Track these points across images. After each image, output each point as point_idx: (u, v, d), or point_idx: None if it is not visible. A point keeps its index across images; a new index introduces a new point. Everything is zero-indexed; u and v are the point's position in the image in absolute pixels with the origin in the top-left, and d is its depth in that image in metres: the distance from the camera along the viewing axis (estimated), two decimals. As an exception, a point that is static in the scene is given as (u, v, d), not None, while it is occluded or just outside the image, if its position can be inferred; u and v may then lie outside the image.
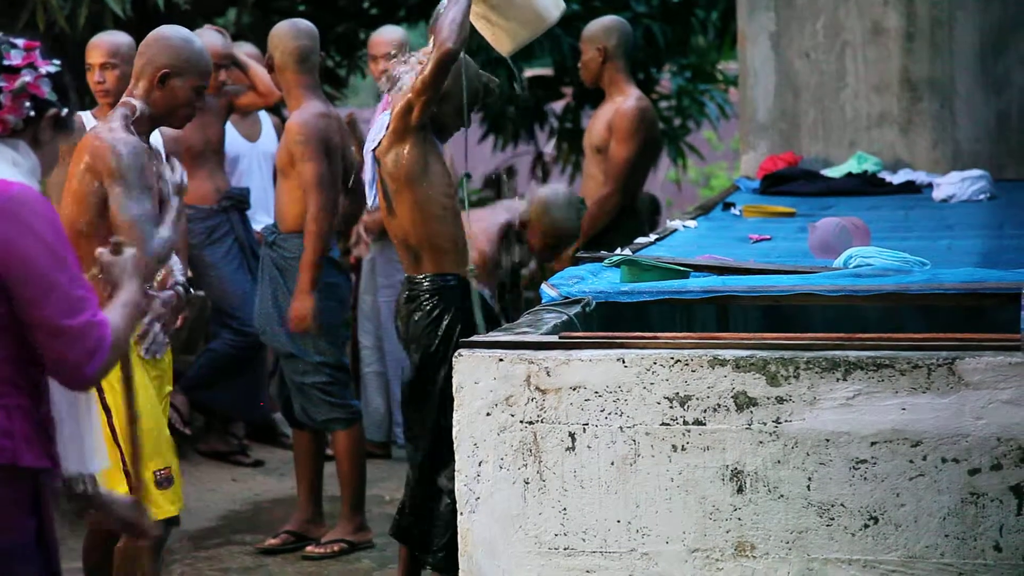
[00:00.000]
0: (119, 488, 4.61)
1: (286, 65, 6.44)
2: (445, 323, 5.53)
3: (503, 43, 5.76)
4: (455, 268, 5.57)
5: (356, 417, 6.64)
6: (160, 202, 4.70)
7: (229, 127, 7.93)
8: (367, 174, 5.63)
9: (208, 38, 7.59)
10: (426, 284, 5.56)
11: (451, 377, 4.06)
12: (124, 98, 4.81)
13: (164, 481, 4.67)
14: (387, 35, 7.49)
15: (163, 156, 4.94)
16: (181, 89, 4.80)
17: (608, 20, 7.71)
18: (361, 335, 8.15)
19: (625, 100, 7.50)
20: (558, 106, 11.61)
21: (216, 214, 7.70)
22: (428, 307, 5.55)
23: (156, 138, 6.83)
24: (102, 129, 4.69)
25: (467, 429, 4.03)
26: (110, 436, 4.59)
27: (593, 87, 7.68)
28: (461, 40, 5.39)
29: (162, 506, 4.67)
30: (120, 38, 6.83)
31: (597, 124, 7.63)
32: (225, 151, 7.92)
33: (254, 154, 8.15)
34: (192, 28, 7.69)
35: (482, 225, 6.51)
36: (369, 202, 5.67)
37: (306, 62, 6.45)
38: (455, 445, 4.05)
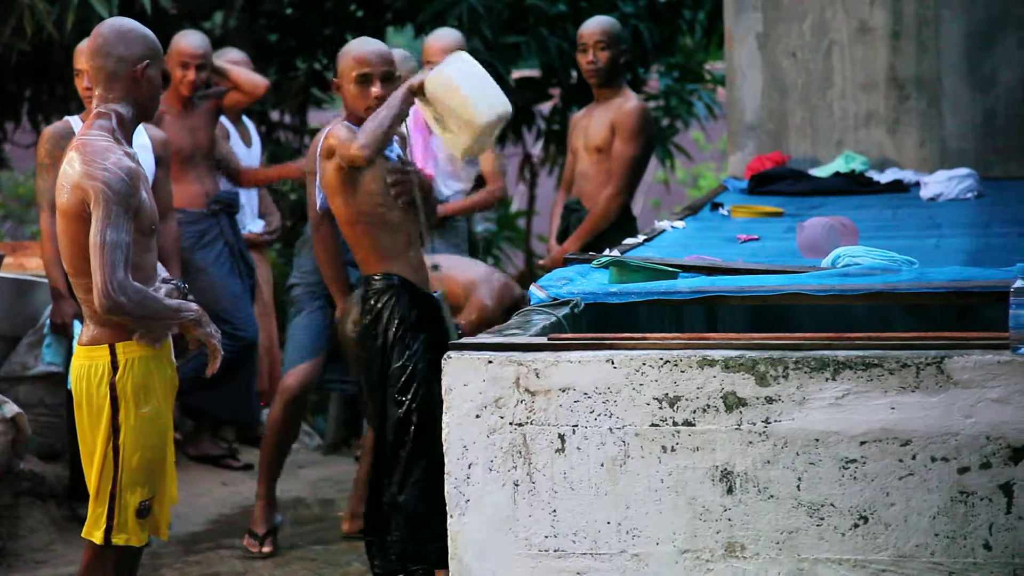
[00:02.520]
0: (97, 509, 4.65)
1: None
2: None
3: (455, 148, 5.74)
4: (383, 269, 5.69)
5: None
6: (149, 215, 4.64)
7: (232, 132, 7.96)
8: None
9: (189, 38, 7.58)
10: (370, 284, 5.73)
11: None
12: (100, 106, 4.60)
13: (144, 510, 4.65)
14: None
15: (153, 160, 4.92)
16: (156, 77, 4.64)
17: (616, 21, 7.71)
18: None
19: (627, 101, 7.52)
20: (545, 107, 11.62)
21: (206, 218, 7.69)
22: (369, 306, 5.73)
23: (144, 142, 6.87)
24: (91, 151, 4.50)
25: (456, 431, 4.03)
26: (112, 454, 4.59)
27: (602, 87, 7.63)
28: (376, 151, 5.50)
29: (134, 534, 4.64)
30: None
31: (596, 124, 7.62)
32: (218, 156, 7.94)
33: (249, 159, 8.15)
34: (178, 31, 7.73)
35: (480, 275, 6.55)
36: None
37: None
38: (444, 447, 4.05)
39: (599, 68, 7.53)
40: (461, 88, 5.54)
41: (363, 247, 5.68)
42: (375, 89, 5.61)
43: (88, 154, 4.49)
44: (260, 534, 6.78)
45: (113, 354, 4.57)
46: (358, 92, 5.64)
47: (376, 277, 5.68)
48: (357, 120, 5.65)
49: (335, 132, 5.59)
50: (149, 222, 4.59)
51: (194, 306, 4.68)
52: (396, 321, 5.64)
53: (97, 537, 4.62)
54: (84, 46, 6.79)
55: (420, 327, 5.66)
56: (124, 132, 4.60)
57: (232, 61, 7.92)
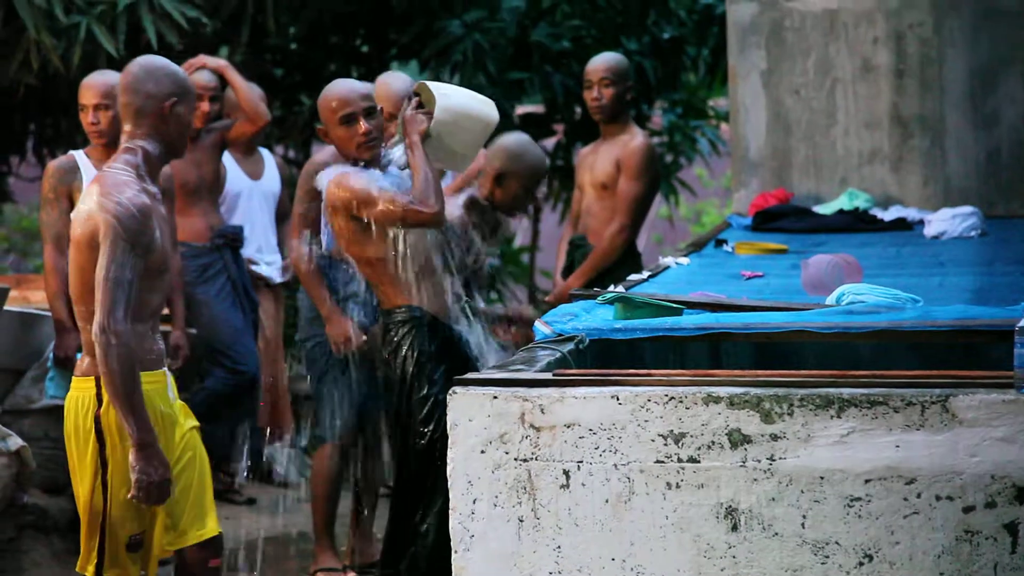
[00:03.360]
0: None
1: None
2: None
3: (461, 166, 5.81)
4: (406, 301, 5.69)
5: None
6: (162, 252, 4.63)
7: (232, 164, 7.96)
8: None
9: (201, 71, 7.61)
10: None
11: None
12: (128, 142, 4.64)
13: (135, 544, 4.63)
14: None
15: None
16: (185, 115, 4.67)
17: (623, 58, 7.73)
18: None
19: (633, 138, 7.54)
20: (549, 143, 11.64)
21: (209, 252, 7.71)
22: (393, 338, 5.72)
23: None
24: (110, 184, 4.53)
25: (461, 466, 4.03)
26: (100, 488, 4.59)
27: (608, 123, 7.64)
28: (442, 203, 5.49)
29: (125, 568, 4.63)
30: (113, 78, 6.83)
31: (601, 161, 7.64)
32: (227, 188, 7.95)
33: (256, 192, 8.16)
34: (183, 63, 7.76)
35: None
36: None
37: None
38: (449, 483, 4.05)
39: (604, 105, 7.55)
40: (465, 103, 5.64)
41: (382, 283, 5.69)
42: (362, 126, 5.63)
43: (105, 186, 4.51)
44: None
45: (99, 387, 4.57)
46: (345, 134, 5.65)
47: (397, 310, 5.68)
48: (352, 162, 5.67)
49: (352, 185, 5.56)
50: (159, 262, 4.57)
51: (151, 437, 4.53)
52: (416, 353, 5.65)
53: (89, 572, 4.62)
54: (89, 81, 6.82)
55: (441, 358, 5.66)
56: (149, 168, 4.62)
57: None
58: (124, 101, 4.63)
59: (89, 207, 4.51)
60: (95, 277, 4.47)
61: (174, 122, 4.63)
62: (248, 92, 7.60)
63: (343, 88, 5.72)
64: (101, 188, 4.51)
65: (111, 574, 4.61)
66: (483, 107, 5.67)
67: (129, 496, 4.50)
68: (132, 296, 4.45)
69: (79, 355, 6.60)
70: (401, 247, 5.64)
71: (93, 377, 4.58)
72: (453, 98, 5.62)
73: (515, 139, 6.27)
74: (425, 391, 5.62)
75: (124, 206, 4.46)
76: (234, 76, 7.60)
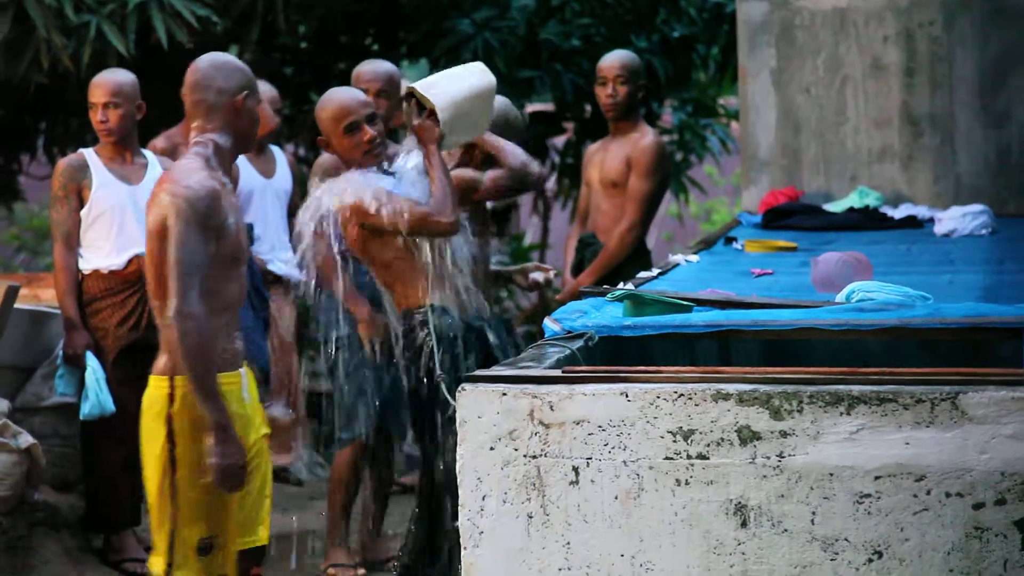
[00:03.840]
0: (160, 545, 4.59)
1: None
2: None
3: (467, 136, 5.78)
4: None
5: None
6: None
7: (244, 163, 7.95)
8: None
9: None
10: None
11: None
12: (199, 136, 4.63)
13: (205, 548, 4.54)
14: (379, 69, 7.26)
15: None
16: (254, 109, 4.68)
17: (636, 56, 7.72)
18: None
19: (643, 136, 7.52)
20: (559, 141, 11.64)
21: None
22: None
23: (159, 173, 6.89)
24: (178, 173, 4.53)
25: (470, 463, 4.03)
26: (169, 489, 4.53)
27: (618, 120, 7.62)
28: (459, 212, 5.50)
29: (195, 572, 4.55)
30: (123, 77, 6.85)
31: (611, 159, 7.63)
32: (239, 187, 7.95)
33: (268, 191, 8.16)
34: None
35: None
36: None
37: None
38: (458, 480, 4.05)
39: (617, 102, 7.54)
40: (459, 86, 5.61)
41: (400, 284, 5.67)
42: (368, 132, 5.60)
43: (175, 174, 4.53)
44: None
45: (172, 386, 4.51)
46: (350, 142, 5.62)
47: (417, 310, 5.66)
48: (356, 167, 5.66)
49: (358, 195, 5.51)
50: (233, 250, 4.54)
51: (227, 421, 4.49)
52: (440, 352, 5.63)
53: (158, 567, 4.55)
54: (99, 79, 6.83)
55: (465, 355, 5.65)
56: (220, 160, 4.62)
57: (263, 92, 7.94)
58: (194, 99, 4.64)
59: (159, 196, 4.51)
60: (168, 259, 4.45)
61: (246, 116, 4.66)
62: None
63: (343, 97, 5.69)
64: (171, 177, 4.52)
65: (180, 573, 4.54)
66: (473, 79, 5.65)
67: (206, 482, 4.49)
68: (203, 283, 4.43)
69: (88, 353, 6.68)
70: (422, 246, 5.63)
71: (167, 377, 4.52)
72: (445, 88, 5.60)
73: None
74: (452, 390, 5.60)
75: (192, 189, 4.45)
76: None
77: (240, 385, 4.63)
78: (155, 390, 4.55)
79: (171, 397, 4.51)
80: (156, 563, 4.57)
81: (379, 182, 5.57)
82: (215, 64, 4.67)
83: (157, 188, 4.55)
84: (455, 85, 5.62)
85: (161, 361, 4.56)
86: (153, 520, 4.57)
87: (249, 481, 4.61)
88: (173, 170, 4.58)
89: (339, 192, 5.57)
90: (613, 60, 7.61)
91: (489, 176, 5.77)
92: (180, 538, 4.51)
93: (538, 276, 6.61)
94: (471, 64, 5.73)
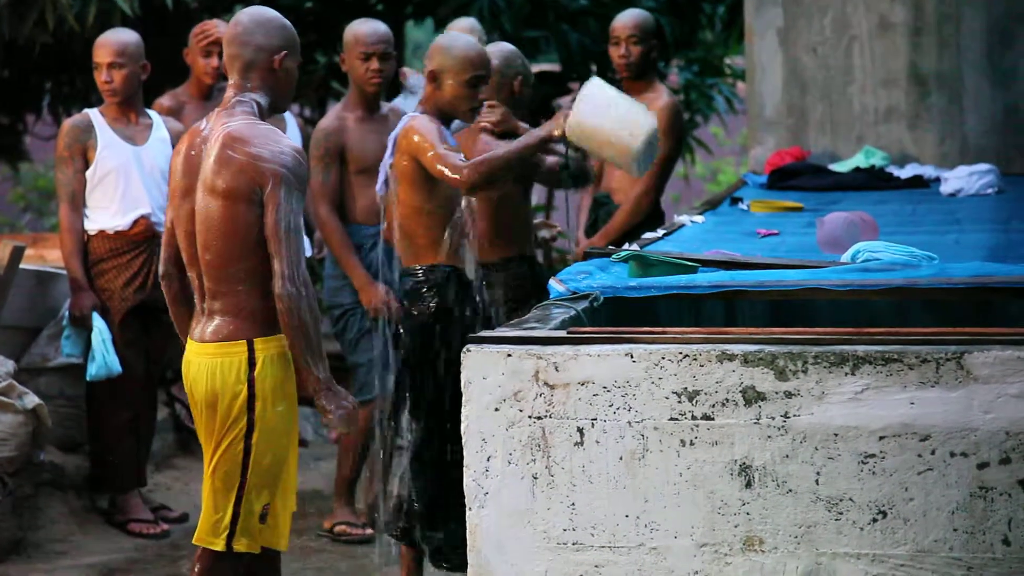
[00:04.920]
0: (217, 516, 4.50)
1: None
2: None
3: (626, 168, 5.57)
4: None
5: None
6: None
7: None
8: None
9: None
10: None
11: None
12: (238, 95, 4.45)
13: (266, 516, 4.46)
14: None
15: None
16: (293, 70, 4.52)
17: (649, 15, 7.66)
18: None
19: (658, 96, 7.43)
20: (565, 102, 11.61)
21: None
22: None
23: (164, 135, 6.88)
24: (257, 132, 4.34)
25: (475, 424, 4.03)
26: (242, 454, 4.41)
27: (633, 79, 7.55)
28: (482, 187, 5.46)
29: (257, 539, 4.47)
30: (127, 36, 6.83)
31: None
32: None
33: None
34: (198, 23, 7.74)
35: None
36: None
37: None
38: (463, 441, 4.05)
39: (631, 62, 7.46)
40: (603, 126, 5.39)
41: (422, 236, 5.63)
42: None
43: (256, 137, 4.33)
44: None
45: (251, 350, 4.37)
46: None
47: (431, 267, 5.65)
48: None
49: (419, 129, 5.51)
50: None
51: (330, 375, 4.45)
52: (442, 312, 5.63)
53: (218, 544, 4.42)
54: (103, 39, 6.81)
55: (473, 317, 5.67)
56: (262, 119, 4.45)
57: None
58: (231, 53, 4.46)
59: (240, 160, 4.30)
60: (267, 230, 4.29)
61: (283, 76, 4.49)
62: None
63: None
64: (253, 139, 4.32)
65: (241, 544, 4.44)
66: (624, 123, 5.39)
67: (333, 437, 4.44)
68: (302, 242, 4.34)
69: (95, 315, 6.68)
70: (460, 202, 5.65)
71: (244, 340, 4.37)
72: (592, 110, 5.36)
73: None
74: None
75: (288, 153, 4.32)
76: None
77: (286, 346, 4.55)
78: (230, 356, 4.39)
79: (251, 361, 4.38)
80: (214, 542, 4.44)
81: (447, 136, 5.57)
82: (257, 19, 4.47)
83: (226, 149, 4.33)
84: (618, 105, 5.40)
85: (225, 327, 4.40)
86: (213, 493, 4.44)
87: (294, 451, 4.57)
88: (244, 132, 4.34)
89: (409, 125, 5.56)
90: (626, 20, 7.53)
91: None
92: (247, 505, 4.41)
93: (545, 233, 6.61)
94: (643, 113, 5.48)
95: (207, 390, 4.41)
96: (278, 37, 4.48)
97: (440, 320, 5.63)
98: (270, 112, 4.50)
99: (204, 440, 4.49)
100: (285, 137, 4.40)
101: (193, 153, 4.45)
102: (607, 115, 5.41)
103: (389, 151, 5.67)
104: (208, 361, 4.41)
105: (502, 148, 5.48)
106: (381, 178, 5.70)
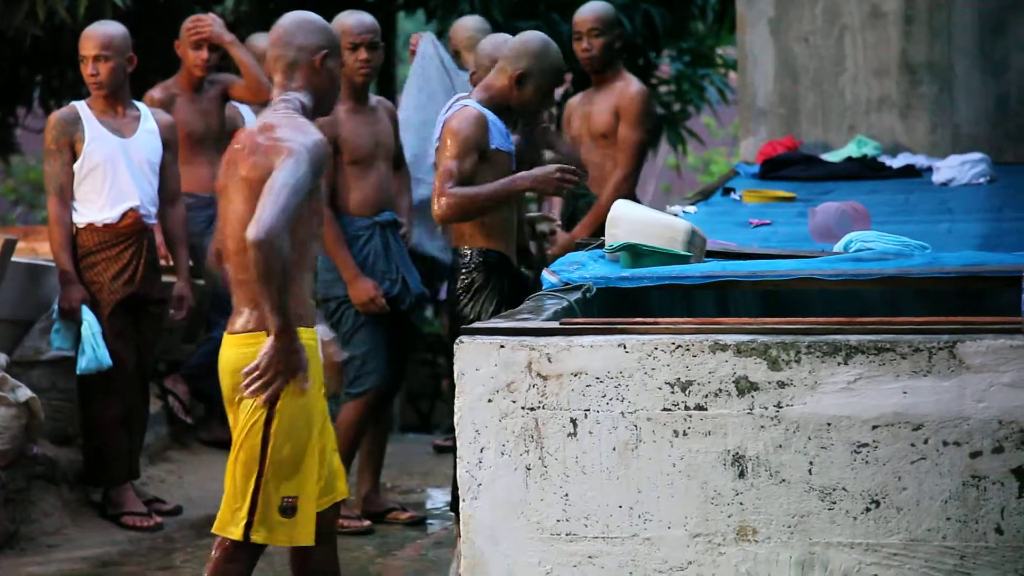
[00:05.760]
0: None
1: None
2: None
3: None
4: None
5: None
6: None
7: (249, 114, 7.93)
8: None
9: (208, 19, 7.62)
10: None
11: None
12: (282, 95, 4.55)
13: (288, 509, 4.46)
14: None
15: None
16: (335, 69, 4.62)
17: (610, 6, 7.65)
18: None
19: (628, 85, 7.45)
20: (557, 92, 11.60)
21: (215, 202, 7.69)
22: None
23: (152, 127, 6.87)
24: (288, 125, 4.42)
25: (468, 416, 4.03)
26: (260, 444, 4.42)
27: (599, 73, 7.56)
28: (450, 217, 5.63)
29: (276, 532, 4.48)
30: (113, 29, 6.81)
31: (598, 111, 7.59)
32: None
33: None
34: (190, 15, 7.73)
35: None
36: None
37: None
38: (456, 432, 4.05)
39: (593, 56, 7.45)
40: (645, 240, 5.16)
41: (473, 220, 5.72)
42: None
43: (289, 126, 4.43)
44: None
45: None
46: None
47: (479, 250, 5.71)
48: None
49: (454, 131, 5.63)
50: (319, 212, 4.48)
51: (324, 333, 4.49)
52: (496, 298, 5.66)
53: (236, 533, 4.44)
54: (89, 32, 6.79)
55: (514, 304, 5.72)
56: (306, 119, 4.52)
57: (258, 47, 7.94)
58: (275, 54, 4.59)
59: (266, 145, 4.39)
60: (266, 184, 4.32)
61: (325, 75, 4.59)
62: (253, 69, 7.57)
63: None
64: (287, 127, 4.42)
65: (259, 534, 4.45)
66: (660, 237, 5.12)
67: (325, 392, 4.45)
68: (296, 213, 4.30)
69: (84, 308, 6.66)
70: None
71: (264, 332, 4.39)
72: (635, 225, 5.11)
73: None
74: None
75: (312, 139, 4.39)
76: (239, 52, 7.57)
77: (318, 342, 4.58)
78: (250, 347, 4.42)
79: None
80: (232, 530, 4.45)
81: (496, 138, 5.69)
82: (297, 21, 4.62)
83: (259, 138, 4.42)
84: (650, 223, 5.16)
85: (250, 319, 4.45)
86: (232, 483, 4.46)
87: (323, 441, 4.57)
88: (278, 122, 4.45)
89: (461, 114, 5.67)
90: (586, 14, 7.49)
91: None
92: (265, 496, 4.43)
93: (544, 227, 6.61)
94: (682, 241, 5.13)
95: (232, 381, 4.47)
96: (318, 37, 4.60)
97: (484, 304, 5.68)
98: (316, 112, 4.61)
99: (232, 429, 4.54)
100: (315, 129, 4.47)
101: (236, 147, 4.55)
102: (653, 236, 5.13)
103: (437, 133, 5.79)
104: (233, 352, 4.48)
105: (484, 187, 5.52)
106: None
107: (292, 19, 4.63)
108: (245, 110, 8.02)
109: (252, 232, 4.24)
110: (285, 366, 4.36)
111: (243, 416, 4.45)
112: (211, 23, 7.52)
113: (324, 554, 4.64)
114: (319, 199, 4.49)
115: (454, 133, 5.63)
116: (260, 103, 7.81)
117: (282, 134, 4.41)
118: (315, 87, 4.58)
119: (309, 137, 4.39)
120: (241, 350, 4.46)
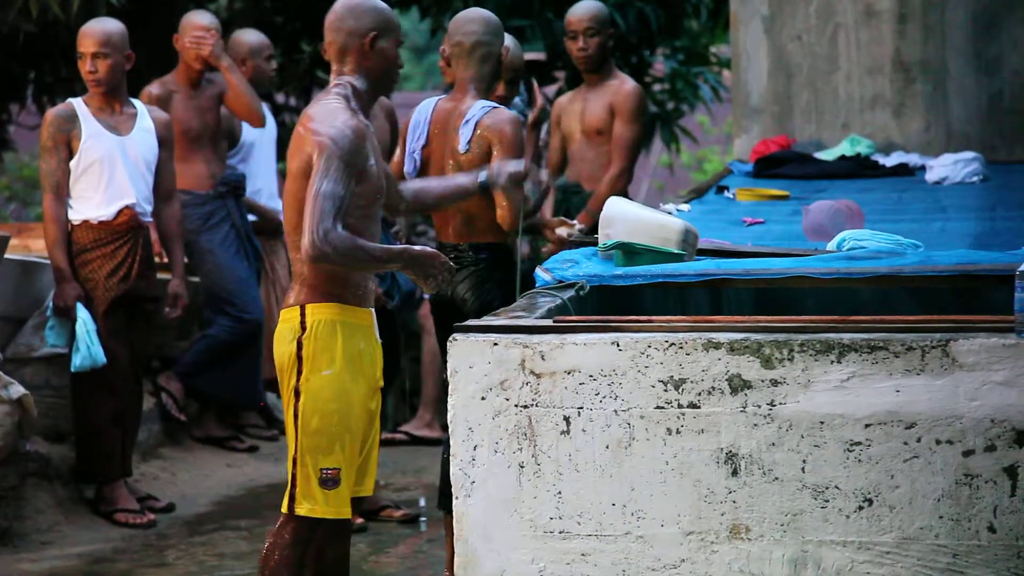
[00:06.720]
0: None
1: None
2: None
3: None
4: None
5: None
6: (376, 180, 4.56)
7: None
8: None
9: (201, 15, 7.61)
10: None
11: None
12: (337, 79, 4.60)
13: (329, 481, 4.50)
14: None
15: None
16: (388, 49, 4.63)
17: (603, 5, 7.66)
18: None
19: (623, 83, 7.47)
20: (551, 90, 11.61)
21: (212, 200, 7.71)
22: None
23: (148, 124, 6.87)
24: (321, 113, 4.50)
25: (462, 413, 4.04)
26: (293, 418, 4.50)
27: (593, 71, 7.56)
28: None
29: (319, 504, 4.51)
30: (111, 26, 6.81)
31: (592, 107, 7.59)
32: (243, 138, 7.99)
33: (264, 139, 8.18)
34: (184, 13, 7.73)
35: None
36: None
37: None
38: (450, 430, 4.06)
39: (590, 55, 7.46)
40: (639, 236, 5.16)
41: (490, 215, 5.66)
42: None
43: (319, 115, 4.50)
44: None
45: (303, 314, 4.49)
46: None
47: (495, 245, 5.67)
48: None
49: (502, 122, 5.58)
50: (375, 190, 4.51)
51: (401, 252, 4.55)
52: (504, 295, 5.65)
53: (283, 505, 4.53)
54: (87, 29, 6.79)
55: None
56: (359, 102, 4.58)
57: (251, 44, 7.94)
58: (328, 40, 4.63)
59: (302, 136, 4.49)
60: (308, 189, 4.41)
61: (377, 57, 4.61)
62: (247, 96, 7.57)
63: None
64: (315, 118, 4.49)
65: (303, 507, 4.50)
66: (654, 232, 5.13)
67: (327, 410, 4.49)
68: (343, 210, 4.38)
69: (79, 305, 6.66)
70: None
71: (298, 307, 4.50)
72: (625, 225, 5.15)
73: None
74: None
75: (338, 128, 4.43)
76: (233, 77, 7.56)
77: (373, 323, 4.62)
78: (286, 323, 4.54)
79: (302, 324, 4.50)
80: (283, 503, 4.54)
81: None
82: (349, 5, 4.64)
83: (299, 127, 4.53)
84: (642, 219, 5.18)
85: (292, 294, 4.56)
86: (289, 460, 4.56)
87: (366, 431, 4.61)
88: (315, 110, 4.54)
89: (495, 115, 5.63)
90: (581, 13, 7.51)
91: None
92: (303, 467, 4.49)
93: (563, 232, 6.58)
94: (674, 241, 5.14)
95: (277, 356, 4.57)
96: (368, 19, 4.61)
97: (496, 298, 5.69)
98: (373, 95, 4.65)
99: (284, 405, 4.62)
100: (346, 115, 4.49)
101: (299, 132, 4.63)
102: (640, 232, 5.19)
103: (466, 139, 5.69)
104: (279, 328, 4.58)
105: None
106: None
107: (344, 3, 4.64)
108: None
109: (305, 251, 4.38)
110: (426, 272, 4.52)
111: (284, 391, 4.54)
112: (211, 43, 7.52)
113: (337, 553, 4.65)
114: (370, 177, 4.49)
115: (510, 137, 5.55)
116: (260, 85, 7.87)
117: (314, 125, 4.47)
118: (367, 69, 4.60)
119: (336, 127, 4.43)
120: (283, 325, 4.56)
